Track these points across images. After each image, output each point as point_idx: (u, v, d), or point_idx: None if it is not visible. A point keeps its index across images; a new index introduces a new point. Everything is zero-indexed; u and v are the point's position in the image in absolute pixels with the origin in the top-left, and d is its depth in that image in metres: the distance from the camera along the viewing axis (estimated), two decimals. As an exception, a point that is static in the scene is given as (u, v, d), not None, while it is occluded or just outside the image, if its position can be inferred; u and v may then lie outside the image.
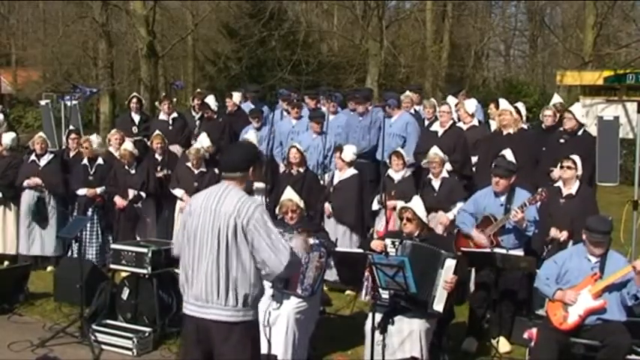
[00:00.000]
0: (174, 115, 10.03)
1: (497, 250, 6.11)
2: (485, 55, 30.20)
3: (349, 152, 7.96)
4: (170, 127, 9.79)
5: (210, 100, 10.09)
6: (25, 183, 8.66)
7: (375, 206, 7.72)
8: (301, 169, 8.06)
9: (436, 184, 7.47)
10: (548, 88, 23.97)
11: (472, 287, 6.61)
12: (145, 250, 6.34)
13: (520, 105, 8.64)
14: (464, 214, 6.50)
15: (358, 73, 21.24)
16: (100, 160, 8.64)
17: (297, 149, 8.02)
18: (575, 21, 24.68)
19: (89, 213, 8.43)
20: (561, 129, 7.98)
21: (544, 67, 29.22)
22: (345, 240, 7.65)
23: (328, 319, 6.59)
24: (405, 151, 8.09)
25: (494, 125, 8.54)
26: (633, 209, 7.39)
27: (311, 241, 5.49)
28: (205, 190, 4.06)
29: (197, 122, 10.04)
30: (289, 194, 5.97)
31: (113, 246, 6.91)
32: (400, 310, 5.18)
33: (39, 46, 26.97)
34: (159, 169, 8.81)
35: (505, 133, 7.67)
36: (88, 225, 8.30)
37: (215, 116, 9.89)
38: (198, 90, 10.78)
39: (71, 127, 10.26)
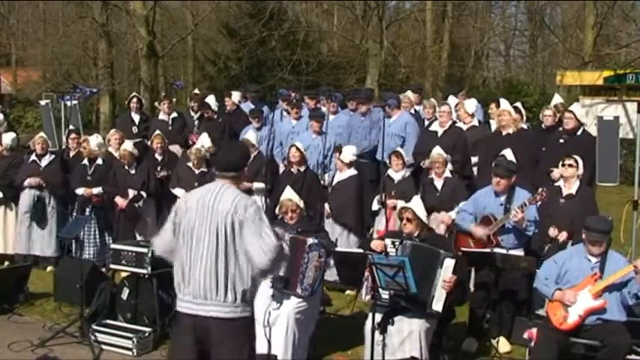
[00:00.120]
0: (174, 115, 10.04)
1: (497, 250, 6.11)
2: (486, 55, 30.20)
3: (348, 153, 7.96)
4: (170, 127, 9.81)
5: (211, 100, 10.09)
6: (27, 182, 8.66)
7: (375, 206, 7.72)
8: (301, 169, 8.05)
9: (439, 184, 7.46)
10: (548, 88, 23.97)
11: (472, 287, 6.61)
12: (144, 250, 6.33)
13: (518, 105, 8.65)
14: (463, 213, 6.50)
15: (358, 73, 21.23)
16: (99, 161, 8.64)
17: (297, 148, 8.02)
18: (575, 21, 24.68)
19: (87, 213, 8.43)
20: (560, 129, 7.99)
21: (544, 67, 29.23)
22: (343, 240, 7.65)
23: (328, 319, 6.58)
24: (404, 151, 8.09)
25: (494, 125, 8.55)
26: (633, 209, 7.39)
27: (310, 240, 5.49)
28: (200, 188, 4.08)
29: (196, 122, 10.05)
30: (289, 194, 5.97)
31: (113, 246, 6.91)
32: (400, 310, 5.18)
33: (39, 46, 26.97)
34: (159, 169, 8.81)
35: (504, 133, 7.67)
36: (86, 225, 8.30)
37: (215, 116, 9.89)
38: (196, 91, 10.77)
39: (71, 127, 10.27)
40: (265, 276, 4.02)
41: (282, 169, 8.84)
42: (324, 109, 9.59)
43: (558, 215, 6.54)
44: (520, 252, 6.22)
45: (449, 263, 5.25)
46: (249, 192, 8.35)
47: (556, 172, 7.21)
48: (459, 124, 8.51)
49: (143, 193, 8.44)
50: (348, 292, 7.55)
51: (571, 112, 7.77)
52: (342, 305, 7.08)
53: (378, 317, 4.90)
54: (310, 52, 21.88)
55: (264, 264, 3.83)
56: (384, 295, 5.09)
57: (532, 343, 5.47)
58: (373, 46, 19.15)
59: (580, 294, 5.30)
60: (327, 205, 7.93)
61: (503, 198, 6.26)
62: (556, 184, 6.93)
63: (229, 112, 10.33)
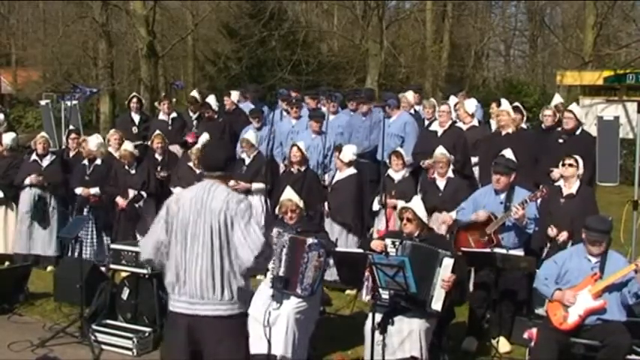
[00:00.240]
0: (174, 114, 10.05)
1: (497, 250, 6.11)
2: (486, 55, 30.20)
3: (348, 152, 7.96)
4: (169, 127, 9.81)
5: (211, 100, 10.09)
6: (28, 180, 8.65)
7: (376, 207, 7.72)
8: (302, 168, 8.05)
9: (441, 184, 7.45)
10: (548, 88, 23.95)
11: (472, 287, 6.61)
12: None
13: (518, 105, 8.66)
14: (463, 211, 6.50)
15: (358, 74, 21.24)
16: (98, 161, 8.64)
17: (298, 148, 8.02)
18: (575, 21, 24.68)
19: (85, 213, 8.43)
20: (559, 129, 7.98)
21: (544, 67, 29.23)
22: (342, 240, 7.65)
23: (328, 319, 6.58)
24: (404, 150, 8.09)
25: (495, 125, 8.55)
26: (633, 209, 7.39)
27: (310, 240, 5.49)
28: (190, 188, 4.08)
29: (194, 122, 10.06)
30: (289, 194, 5.97)
31: (113, 246, 6.91)
32: (400, 310, 5.18)
33: (39, 46, 26.98)
34: (159, 169, 8.81)
35: (504, 133, 7.67)
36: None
37: (215, 116, 9.89)
38: (192, 94, 10.77)
39: (71, 127, 10.27)
40: (249, 273, 4.02)
41: (282, 168, 8.85)
42: (324, 109, 9.59)
43: (558, 215, 6.54)
44: (520, 252, 6.22)
45: (447, 262, 5.25)
46: (249, 192, 8.36)
47: (556, 172, 7.21)
48: (459, 124, 8.51)
49: (143, 193, 8.44)
50: (348, 292, 7.55)
51: (571, 111, 7.77)
52: (342, 305, 7.08)
53: (378, 317, 4.90)
54: (310, 52, 21.88)
55: (250, 261, 3.86)
56: (384, 295, 5.09)
57: (532, 343, 5.47)
58: (373, 46, 19.15)
59: (580, 294, 5.30)
60: (326, 205, 7.93)
61: (503, 196, 6.26)
62: (556, 184, 6.93)
63: (228, 111, 10.33)
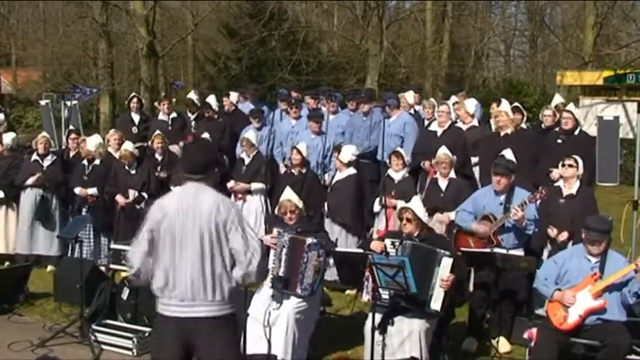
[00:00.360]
0: (174, 115, 10.05)
1: (497, 250, 6.11)
2: (486, 55, 30.20)
3: (347, 153, 7.96)
4: (169, 127, 9.81)
5: (212, 100, 10.10)
6: (30, 181, 8.65)
7: (377, 207, 7.71)
8: (302, 170, 8.05)
9: (443, 184, 7.44)
10: (548, 88, 23.95)
11: (472, 287, 6.61)
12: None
13: (518, 105, 8.65)
14: (463, 213, 6.50)
15: (358, 74, 21.24)
16: (96, 161, 8.64)
17: (298, 151, 8.01)
18: (575, 21, 24.68)
19: (83, 212, 8.42)
20: (557, 129, 7.98)
21: (544, 67, 29.22)
22: (341, 240, 7.64)
23: (328, 319, 6.58)
24: (404, 150, 8.09)
25: (495, 125, 8.54)
26: (633, 209, 7.39)
27: (309, 240, 5.49)
28: (172, 193, 4.08)
29: (193, 123, 10.07)
30: (288, 194, 5.97)
31: (113, 246, 6.92)
32: (400, 311, 5.18)
33: (39, 46, 26.98)
34: (159, 169, 8.81)
35: (503, 133, 7.67)
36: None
37: (216, 116, 9.90)
38: (189, 95, 10.77)
39: (71, 127, 10.27)
40: (246, 280, 4.03)
41: (282, 168, 8.85)
42: (323, 109, 9.59)
43: (559, 215, 6.53)
44: (520, 252, 6.21)
45: (446, 262, 5.25)
46: (249, 192, 8.37)
47: (555, 173, 7.20)
48: (459, 124, 8.51)
49: (144, 195, 8.42)
50: (348, 292, 7.55)
51: (569, 112, 7.76)
52: (342, 305, 7.08)
53: (378, 317, 4.90)
54: (310, 52, 21.88)
55: (254, 265, 3.89)
56: (384, 295, 5.09)
57: (532, 343, 5.47)
58: (373, 47, 19.14)
59: (580, 294, 5.30)
60: (326, 205, 7.93)
61: (502, 197, 6.26)
62: (555, 184, 6.93)
63: (227, 112, 10.34)
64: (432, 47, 23.81)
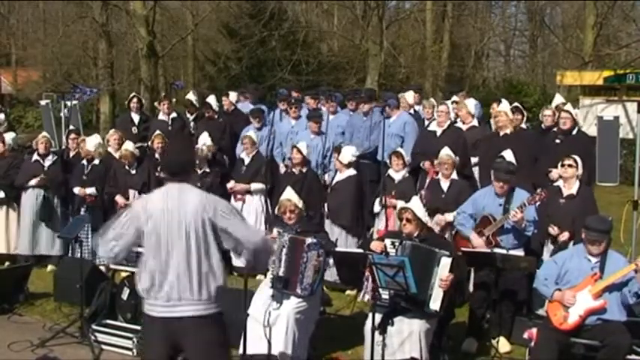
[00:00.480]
0: (174, 115, 10.05)
1: (497, 250, 6.11)
2: (486, 55, 30.20)
3: (347, 154, 7.95)
4: (169, 127, 9.81)
5: (212, 100, 10.10)
6: (33, 182, 8.65)
7: (377, 208, 7.71)
8: (303, 169, 8.05)
9: (445, 185, 7.42)
10: (548, 88, 23.95)
11: (471, 287, 6.61)
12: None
13: (518, 105, 8.65)
14: (463, 215, 6.49)
15: (358, 74, 21.24)
16: (96, 161, 8.64)
17: (298, 150, 8.01)
18: (575, 21, 24.68)
19: (82, 212, 8.42)
20: (555, 129, 7.97)
21: (544, 67, 29.22)
22: (341, 240, 7.64)
23: (328, 319, 6.58)
24: (404, 150, 8.09)
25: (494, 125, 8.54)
26: (633, 209, 7.39)
27: (309, 240, 5.49)
28: (155, 193, 4.03)
29: (191, 123, 10.06)
30: (288, 194, 5.97)
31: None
32: (400, 311, 5.18)
33: (39, 46, 26.99)
34: (159, 169, 8.80)
35: (502, 133, 7.67)
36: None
37: (216, 116, 9.90)
38: (188, 97, 10.77)
39: (71, 127, 10.27)
40: (258, 258, 4.04)
41: (282, 168, 8.85)
42: (323, 109, 9.59)
43: (559, 215, 6.53)
44: (520, 252, 6.21)
45: (445, 262, 5.25)
46: (249, 192, 8.36)
47: (554, 173, 7.19)
48: (459, 124, 8.51)
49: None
50: (348, 292, 7.55)
51: (568, 111, 7.75)
52: (342, 305, 7.08)
53: (378, 317, 4.90)
54: (310, 52, 21.88)
55: (258, 240, 3.97)
56: (384, 295, 5.09)
57: (532, 343, 5.47)
58: (373, 47, 19.14)
59: (580, 294, 5.30)
60: (326, 205, 7.93)
61: (502, 198, 6.25)
62: (555, 184, 6.92)
63: (227, 112, 10.34)
64: (432, 47, 23.81)
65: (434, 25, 24.05)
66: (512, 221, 6.04)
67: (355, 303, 6.84)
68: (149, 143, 9.19)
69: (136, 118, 10.14)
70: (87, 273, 6.78)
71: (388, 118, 8.46)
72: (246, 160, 8.54)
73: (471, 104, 8.71)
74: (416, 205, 5.64)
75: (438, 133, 8.12)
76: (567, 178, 6.62)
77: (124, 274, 6.83)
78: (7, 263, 8.74)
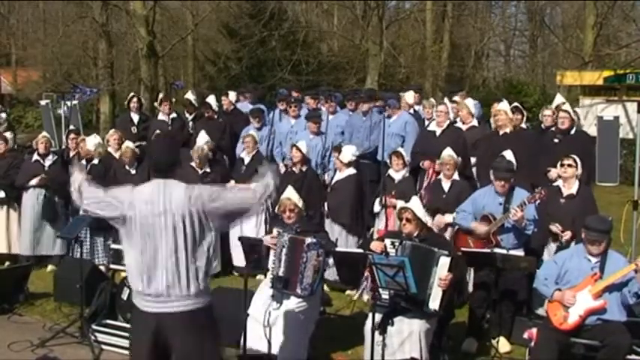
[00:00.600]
0: (174, 115, 10.05)
1: (497, 250, 6.11)
2: (486, 55, 30.20)
3: (348, 153, 7.96)
4: (169, 127, 9.81)
5: (211, 100, 10.10)
6: (33, 182, 8.65)
7: (377, 208, 7.71)
8: (303, 168, 8.05)
9: (446, 185, 7.42)
10: (548, 88, 23.96)
11: (471, 287, 6.61)
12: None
13: (518, 105, 8.65)
14: (463, 213, 6.50)
15: (358, 74, 21.25)
16: (95, 161, 8.63)
17: (297, 148, 8.02)
18: (575, 21, 24.67)
19: (81, 212, 8.40)
20: (553, 129, 7.97)
21: (544, 67, 29.22)
22: (342, 240, 7.65)
23: (328, 319, 6.59)
24: (404, 150, 8.09)
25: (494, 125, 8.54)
26: (633, 209, 7.39)
27: (308, 240, 5.49)
28: (140, 189, 4.01)
29: (190, 123, 10.07)
30: (288, 193, 5.97)
31: (113, 246, 6.91)
32: (400, 311, 5.18)
33: (39, 46, 26.98)
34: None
35: (502, 132, 7.67)
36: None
37: (215, 116, 9.90)
38: (187, 96, 10.78)
39: (71, 127, 10.27)
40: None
41: (281, 168, 8.85)
42: (323, 109, 9.59)
43: (559, 215, 6.53)
44: (520, 252, 6.21)
45: (444, 261, 5.26)
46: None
47: (553, 172, 7.19)
48: (459, 124, 8.51)
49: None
50: (348, 292, 7.55)
51: (566, 111, 7.75)
52: (342, 305, 7.08)
53: (378, 317, 4.90)
54: (310, 52, 21.88)
55: (256, 198, 3.94)
56: (384, 295, 5.09)
57: (532, 343, 5.47)
58: (373, 47, 19.15)
59: (580, 294, 5.30)
60: (326, 205, 7.93)
61: (502, 197, 6.26)
62: (554, 184, 6.92)
63: (226, 111, 10.34)
64: (432, 47, 23.81)
65: (434, 25, 24.05)
66: (512, 220, 6.04)
67: (355, 303, 6.84)
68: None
69: (135, 118, 10.14)
70: (87, 273, 6.77)
71: (389, 118, 8.48)
72: (246, 160, 8.55)
73: (471, 104, 8.71)
74: (416, 205, 5.64)
75: (438, 133, 8.12)
76: (567, 178, 6.62)
77: (124, 274, 6.82)
78: (7, 263, 8.73)
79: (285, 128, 9.42)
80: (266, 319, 5.32)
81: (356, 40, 22.97)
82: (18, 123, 23.30)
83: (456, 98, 9.71)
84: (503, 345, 6.16)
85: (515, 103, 8.93)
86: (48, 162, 8.81)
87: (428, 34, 23.91)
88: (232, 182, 8.47)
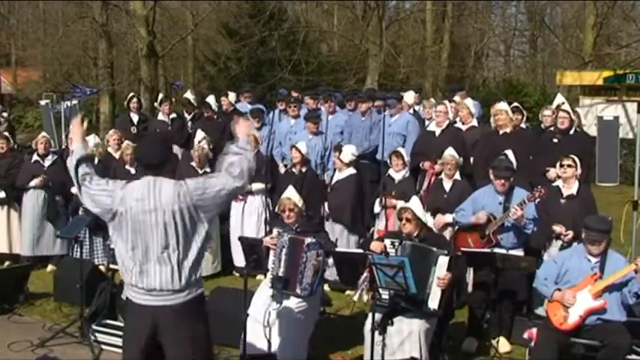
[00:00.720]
0: (173, 115, 10.05)
1: (497, 250, 6.11)
2: (486, 55, 30.17)
3: (348, 153, 7.95)
4: (169, 128, 9.81)
5: (211, 100, 10.10)
6: (33, 183, 8.64)
7: (377, 209, 7.71)
8: (303, 169, 8.05)
9: (447, 185, 7.41)
10: (548, 88, 23.94)
11: (471, 287, 6.61)
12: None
13: (518, 105, 8.65)
14: (462, 212, 6.50)
15: (358, 74, 21.24)
16: (95, 160, 8.63)
17: (297, 149, 8.01)
18: (575, 21, 24.66)
19: (80, 212, 8.41)
20: (552, 128, 7.97)
21: (544, 67, 29.19)
22: (343, 240, 7.66)
23: (328, 319, 6.59)
24: (406, 150, 8.09)
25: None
26: (633, 209, 7.39)
27: (308, 240, 5.50)
28: (131, 187, 4.01)
29: (189, 124, 10.06)
30: (289, 193, 5.98)
31: (113, 246, 6.89)
32: (400, 311, 5.18)
33: (39, 46, 26.95)
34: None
35: (501, 132, 7.67)
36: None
37: (215, 116, 9.90)
38: (186, 95, 10.78)
39: (71, 127, 10.25)
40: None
41: (281, 168, 8.85)
42: (323, 109, 9.59)
43: (559, 215, 6.52)
44: (520, 252, 6.22)
45: (443, 261, 5.26)
46: (250, 192, 8.35)
47: (552, 172, 7.18)
48: (458, 125, 8.51)
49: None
50: (348, 292, 7.54)
51: (566, 111, 7.75)
52: (342, 305, 7.08)
53: (378, 317, 4.90)
54: (310, 52, 21.89)
55: (232, 181, 3.98)
56: (384, 295, 5.09)
57: (532, 343, 5.48)
58: (373, 47, 19.15)
59: (580, 294, 5.30)
60: (326, 205, 7.92)
61: (502, 197, 6.26)
62: (554, 184, 6.91)
63: (226, 112, 10.34)
64: (432, 47, 23.79)
65: (434, 25, 24.02)
66: (512, 219, 6.04)
67: (355, 303, 6.83)
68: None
69: (135, 118, 10.15)
70: (87, 273, 6.78)
71: (391, 117, 8.49)
72: (247, 160, 8.52)
73: (471, 104, 8.71)
74: (415, 204, 5.64)
75: (437, 134, 8.12)
76: (567, 179, 6.61)
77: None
78: (6, 263, 8.73)
79: (284, 128, 9.42)
80: (266, 319, 5.32)
81: (356, 40, 22.96)
82: (18, 123, 23.31)
83: (456, 98, 9.71)
84: (503, 345, 6.16)
85: (515, 103, 8.93)
86: (47, 162, 8.80)
87: (428, 34, 23.89)
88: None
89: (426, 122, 9.15)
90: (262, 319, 5.34)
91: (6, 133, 9.58)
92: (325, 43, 25.99)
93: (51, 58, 25.82)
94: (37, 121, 22.19)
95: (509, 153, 6.80)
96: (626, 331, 5.22)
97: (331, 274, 6.81)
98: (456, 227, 6.76)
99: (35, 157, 8.84)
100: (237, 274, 8.11)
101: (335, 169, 8.21)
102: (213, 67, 23.61)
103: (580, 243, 5.69)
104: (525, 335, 5.74)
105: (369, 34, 19.57)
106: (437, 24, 24.37)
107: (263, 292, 5.66)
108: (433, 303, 5.23)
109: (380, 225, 7.75)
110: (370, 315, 4.91)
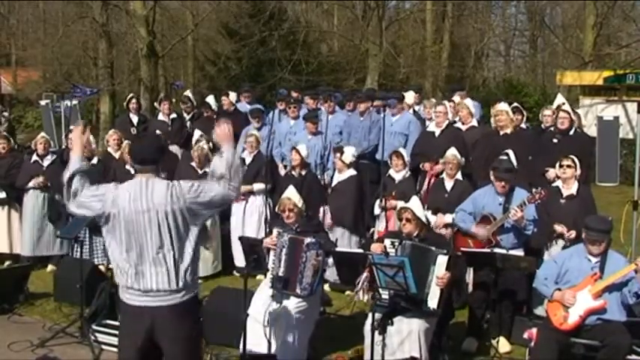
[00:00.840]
0: (173, 115, 10.06)
1: (497, 250, 6.11)
2: (486, 55, 30.17)
3: (349, 154, 7.95)
4: (169, 128, 9.82)
5: (211, 100, 10.09)
6: (32, 183, 8.64)
7: (377, 210, 7.71)
8: (302, 172, 8.04)
9: (448, 185, 7.40)
10: (548, 88, 23.94)
11: (471, 287, 6.61)
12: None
13: (518, 105, 8.65)
14: (463, 213, 6.50)
15: (358, 74, 21.24)
16: (94, 160, 8.63)
17: (297, 152, 8.01)
18: (575, 21, 24.66)
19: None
20: (552, 129, 7.97)
21: (544, 67, 29.19)
22: (344, 240, 7.65)
23: (328, 319, 6.59)
24: (407, 149, 8.09)
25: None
26: (633, 209, 7.39)
27: (308, 240, 5.50)
28: (123, 187, 4.00)
29: (188, 123, 10.07)
30: (289, 193, 5.98)
31: (108, 249, 6.89)
32: (400, 311, 5.19)
33: (39, 46, 26.95)
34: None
35: (502, 133, 7.66)
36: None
37: (215, 116, 9.90)
38: (185, 93, 10.79)
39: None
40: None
41: (281, 169, 8.85)
42: (322, 109, 9.59)
43: (559, 216, 6.52)
44: (520, 252, 6.22)
45: (442, 260, 5.26)
46: (251, 193, 8.36)
47: (552, 172, 7.18)
48: (458, 125, 8.51)
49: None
50: (348, 292, 7.54)
51: (566, 111, 7.75)
52: (342, 305, 7.08)
53: (378, 317, 4.90)
54: (310, 52, 21.88)
55: (221, 189, 3.96)
56: (384, 295, 5.09)
57: (532, 343, 5.48)
58: (373, 47, 19.14)
59: (580, 294, 5.30)
60: (327, 208, 7.90)
61: (502, 197, 6.26)
62: (554, 184, 6.91)
63: (226, 111, 10.34)
64: (432, 47, 23.78)
65: (434, 25, 24.01)
66: (512, 220, 6.04)
67: (355, 303, 6.84)
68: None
69: (134, 118, 10.15)
70: (87, 273, 6.78)
71: (393, 117, 8.49)
72: (247, 160, 8.54)
73: (471, 104, 8.71)
74: (415, 204, 5.64)
75: (437, 134, 8.12)
76: (566, 179, 6.61)
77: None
78: (7, 263, 8.73)
79: (284, 128, 9.42)
80: (266, 319, 5.32)
81: (356, 40, 22.95)
82: (18, 123, 23.30)
83: (456, 98, 9.71)
84: (503, 345, 6.16)
85: (515, 104, 8.93)
86: (46, 162, 8.80)
87: (428, 34, 23.88)
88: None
89: (427, 122, 9.15)
90: (262, 319, 5.34)
91: (6, 133, 9.55)
92: (325, 43, 25.99)
93: (51, 58, 25.82)
94: (37, 121, 22.20)
95: (511, 153, 6.80)
96: (626, 331, 5.22)
97: (331, 274, 6.81)
98: (456, 227, 6.76)
99: (35, 158, 8.84)
100: (238, 274, 8.11)
101: (335, 170, 8.21)
102: (213, 67, 23.61)
103: (580, 243, 5.69)
104: (525, 335, 5.74)
105: (369, 34, 19.56)
106: (437, 24, 24.36)
107: (263, 292, 5.66)
108: (432, 302, 5.24)
109: (380, 226, 7.74)
110: (370, 315, 4.91)
